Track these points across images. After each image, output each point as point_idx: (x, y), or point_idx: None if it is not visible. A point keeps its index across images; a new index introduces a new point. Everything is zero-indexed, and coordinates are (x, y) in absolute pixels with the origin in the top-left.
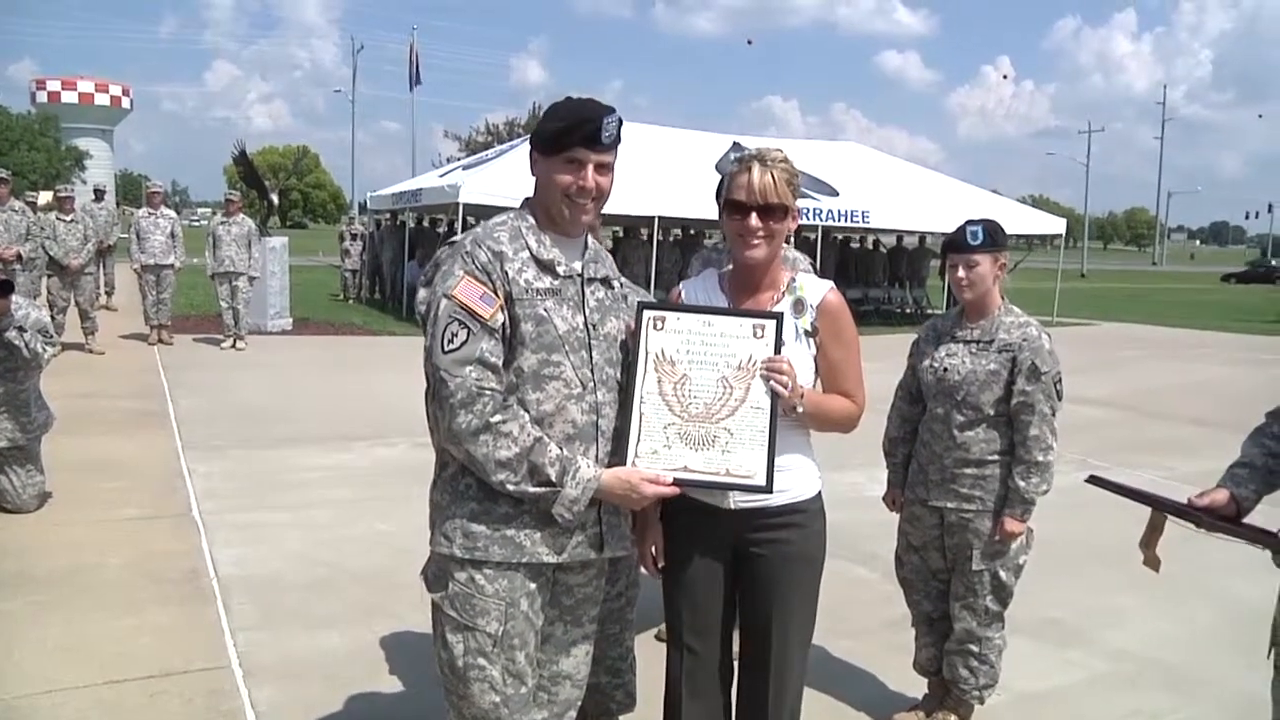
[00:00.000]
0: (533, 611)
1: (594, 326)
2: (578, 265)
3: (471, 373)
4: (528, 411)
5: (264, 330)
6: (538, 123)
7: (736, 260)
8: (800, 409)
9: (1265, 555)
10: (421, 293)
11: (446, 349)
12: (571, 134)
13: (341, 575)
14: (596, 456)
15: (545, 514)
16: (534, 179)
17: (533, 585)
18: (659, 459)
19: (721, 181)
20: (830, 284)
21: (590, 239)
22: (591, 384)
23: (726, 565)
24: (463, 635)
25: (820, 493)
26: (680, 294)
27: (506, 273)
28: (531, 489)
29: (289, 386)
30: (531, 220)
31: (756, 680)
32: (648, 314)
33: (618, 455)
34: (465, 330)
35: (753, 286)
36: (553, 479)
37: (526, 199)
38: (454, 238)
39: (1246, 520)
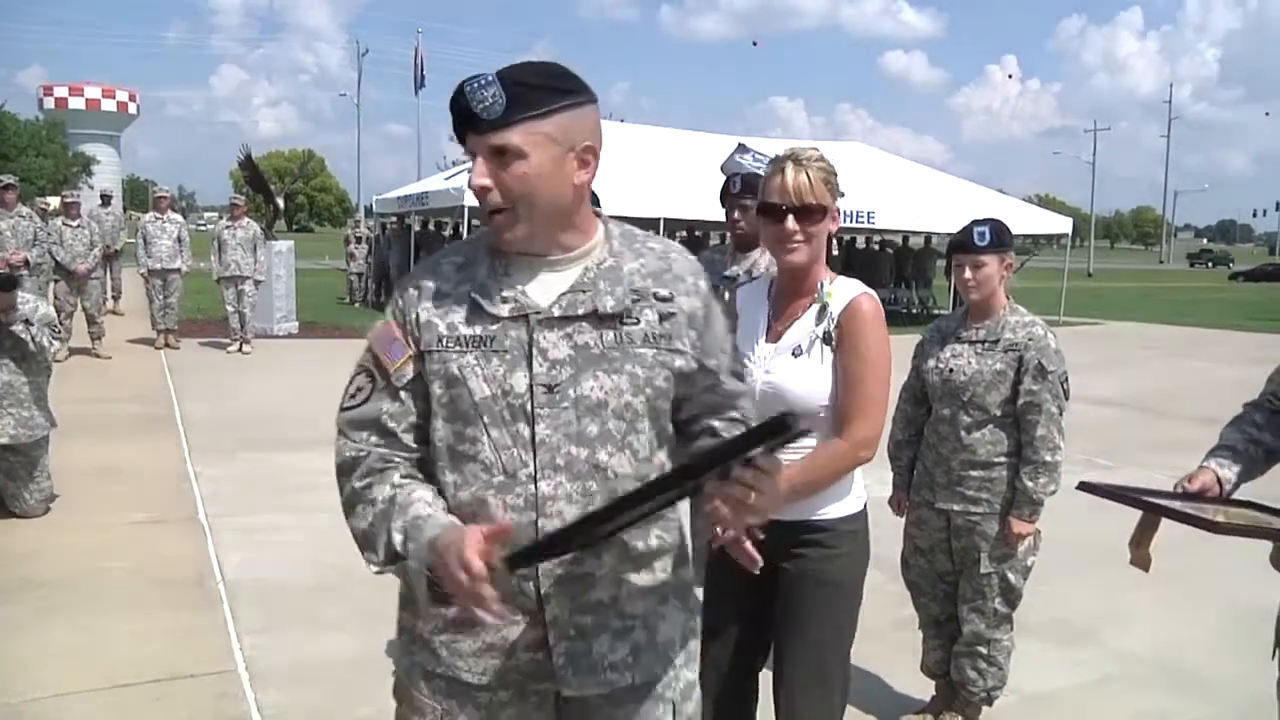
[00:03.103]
0: None
1: (551, 388)
2: (543, 298)
3: (369, 438)
4: (445, 498)
5: (270, 334)
6: None
7: (779, 265)
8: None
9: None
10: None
11: (345, 405)
12: (455, 123)
13: (348, 579)
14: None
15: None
16: None
17: (463, 715)
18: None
19: (726, 183)
20: (864, 288)
21: (601, 254)
22: (529, 470)
23: (751, 578)
24: None
25: (856, 515)
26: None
27: (418, 315)
28: (394, 569)
29: (295, 390)
30: None
31: (777, 697)
32: None
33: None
34: (370, 384)
35: (793, 292)
36: (398, 549)
37: None
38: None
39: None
